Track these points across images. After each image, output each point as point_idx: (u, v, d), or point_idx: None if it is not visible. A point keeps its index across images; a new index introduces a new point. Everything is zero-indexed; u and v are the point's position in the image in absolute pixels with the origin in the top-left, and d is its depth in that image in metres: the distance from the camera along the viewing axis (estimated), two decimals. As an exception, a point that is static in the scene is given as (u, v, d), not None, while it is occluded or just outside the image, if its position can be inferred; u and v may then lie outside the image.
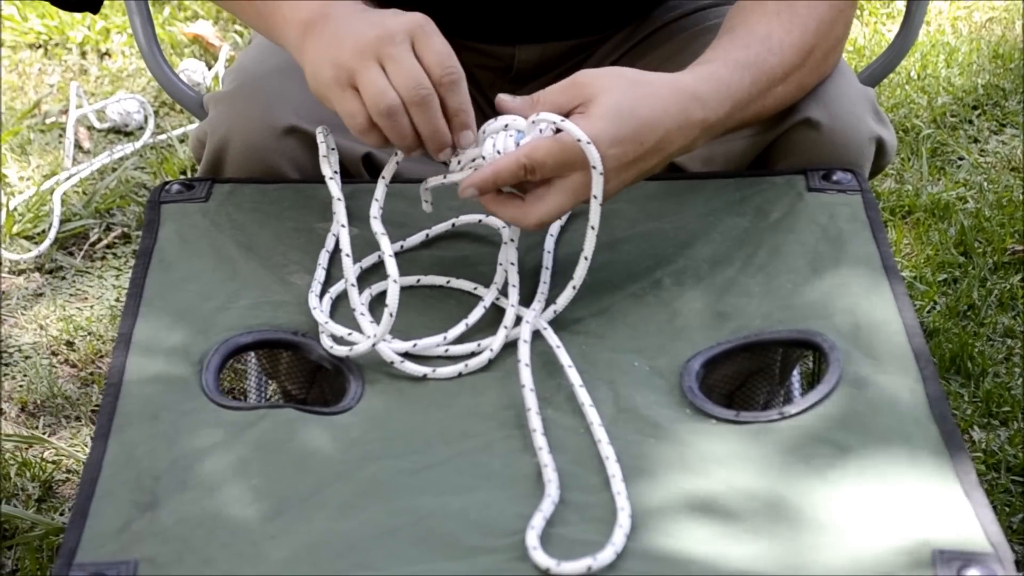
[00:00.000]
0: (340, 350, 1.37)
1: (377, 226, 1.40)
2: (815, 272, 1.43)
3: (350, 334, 1.37)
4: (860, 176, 1.54)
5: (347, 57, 1.36)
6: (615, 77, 1.40)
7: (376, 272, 1.46)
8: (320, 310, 1.40)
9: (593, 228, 1.37)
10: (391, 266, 1.37)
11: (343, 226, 1.44)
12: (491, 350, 1.36)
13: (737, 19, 1.52)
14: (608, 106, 1.36)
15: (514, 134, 1.37)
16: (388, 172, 1.43)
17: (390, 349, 1.36)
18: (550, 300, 1.41)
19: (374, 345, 1.35)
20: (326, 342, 1.38)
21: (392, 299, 1.35)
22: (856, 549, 1.15)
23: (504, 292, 1.42)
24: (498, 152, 1.37)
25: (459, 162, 1.40)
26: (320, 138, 1.51)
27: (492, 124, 1.39)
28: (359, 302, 1.40)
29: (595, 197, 1.35)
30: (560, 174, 1.36)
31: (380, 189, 1.43)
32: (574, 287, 1.38)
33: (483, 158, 1.38)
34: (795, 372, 1.74)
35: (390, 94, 1.35)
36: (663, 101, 1.39)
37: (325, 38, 1.39)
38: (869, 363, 1.32)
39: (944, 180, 2.86)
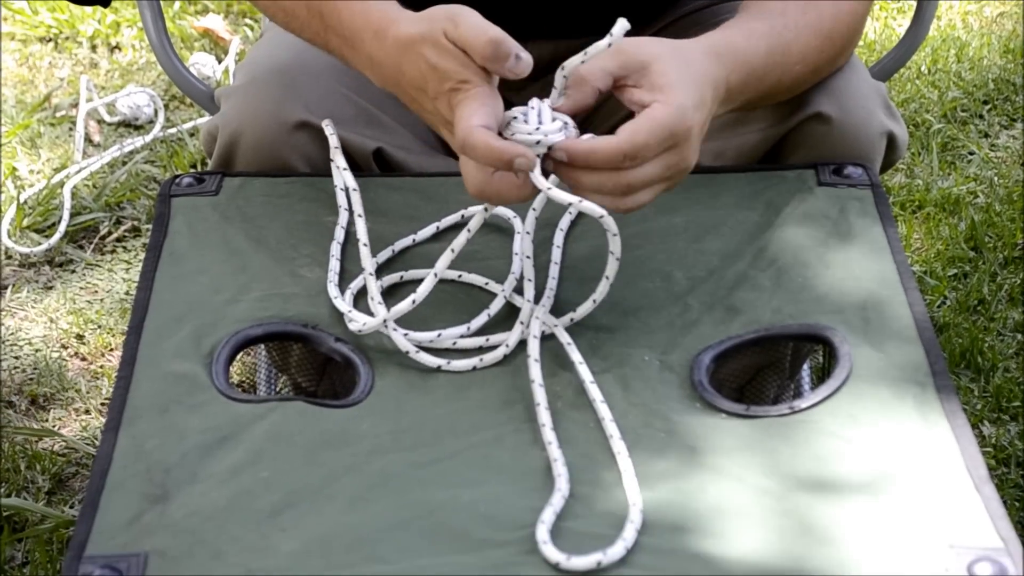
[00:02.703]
0: (356, 325, 1.37)
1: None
2: (825, 266, 1.43)
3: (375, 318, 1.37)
4: (871, 170, 1.54)
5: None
6: (655, 43, 1.37)
7: (387, 266, 1.46)
8: (342, 299, 1.40)
9: (614, 254, 1.35)
10: (443, 261, 1.37)
11: (360, 216, 1.45)
12: (507, 345, 1.36)
13: (753, 3, 1.52)
14: (673, 75, 1.34)
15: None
16: (475, 225, 1.39)
17: (406, 339, 1.36)
18: (565, 301, 1.40)
19: (385, 322, 1.36)
20: (355, 327, 1.38)
21: (423, 290, 1.36)
22: (866, 544, 1.15)
23: (519, 285, 1.42)
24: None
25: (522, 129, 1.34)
26: (329, 131, 1.52)
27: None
28: (376, 291, 1.40)
29: (612, 252, 1.34)
30: (660, 154, 1.33)
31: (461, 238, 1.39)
32: (595, 300, 1.37)
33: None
34: (805, 366, 1.74)
35: (474, 186, 1.33)
36: (701, 62, 1.38)
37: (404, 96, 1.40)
38: (879, 358, 1.32)
39: (954, 175, 2.86)
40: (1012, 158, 2.92)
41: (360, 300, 1.42)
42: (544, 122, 1.33)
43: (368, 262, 1.42)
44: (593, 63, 1.35)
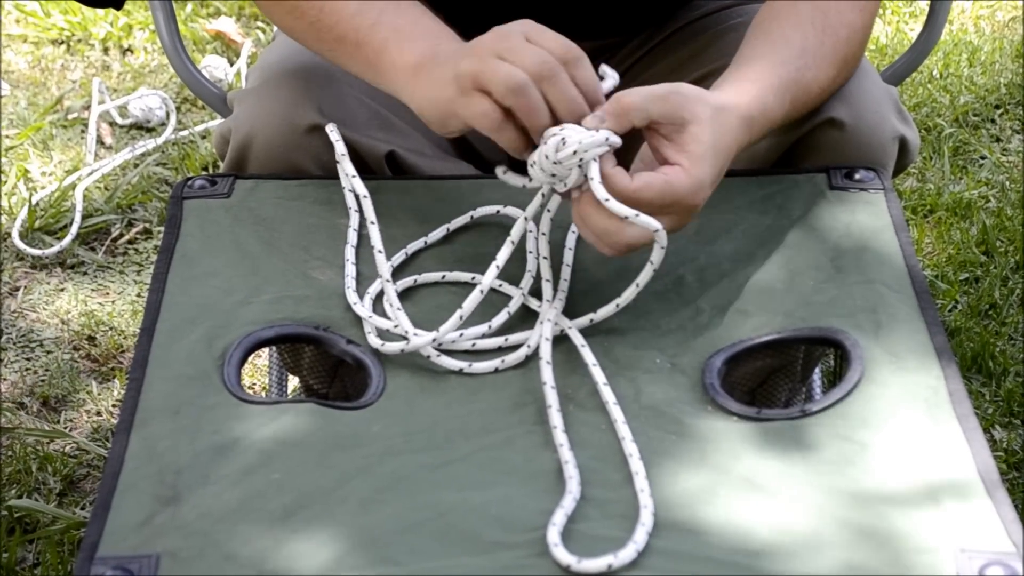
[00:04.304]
0: (393, 347, 1.36)
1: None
2: (837, 270, 1.43)
3: (396, 326, 1.37)
4: (883, 175, 1.54)
5: (466, 65, 1.36)
6: (701, 103, 1.37)
7: (401, 269, 1.46)
8: (362, 305, 1.40)
9: (653, 263, 1.36)
10: (488, 276, 1.39)
11: (372, 223, 1.45)
12: (528, 346, 1.36)
13: (772, 24, 1.51)
14: (705, 144, 1.35)
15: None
16: (530, 211, 1.41)
17: (426, 343, 1.36)
18: (575, 303, 1.40)
19: (436, 341, 1.36)
20: (374, 342, 1.37)
21: (468, 306, 1.37)
22: (878, 547, 1.15)
23: (536, 283, 1.42)
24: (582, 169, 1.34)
25: (537, 166, 1.36)
26: (335, 136, 1.52)
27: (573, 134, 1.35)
28: (395, 298, 1.40)
29: (651, 262, 1.35)
30: (660, 216, 1.34)
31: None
32: (617, 305, 1.38)
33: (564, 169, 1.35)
34: (817, 370, 1.74)
35: (517, 73, 1.34)
36: (734, 132, 1.39)
37: (436, 75, 1.39)
38: (891, 361, 1.32)
39: (966, 179, 2.85)
40: (1024, 163, 2.92)
41: (376, 305, 1.42)
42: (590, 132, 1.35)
43: (384, 269, 1.42)
44: (637, 101, 1.35)
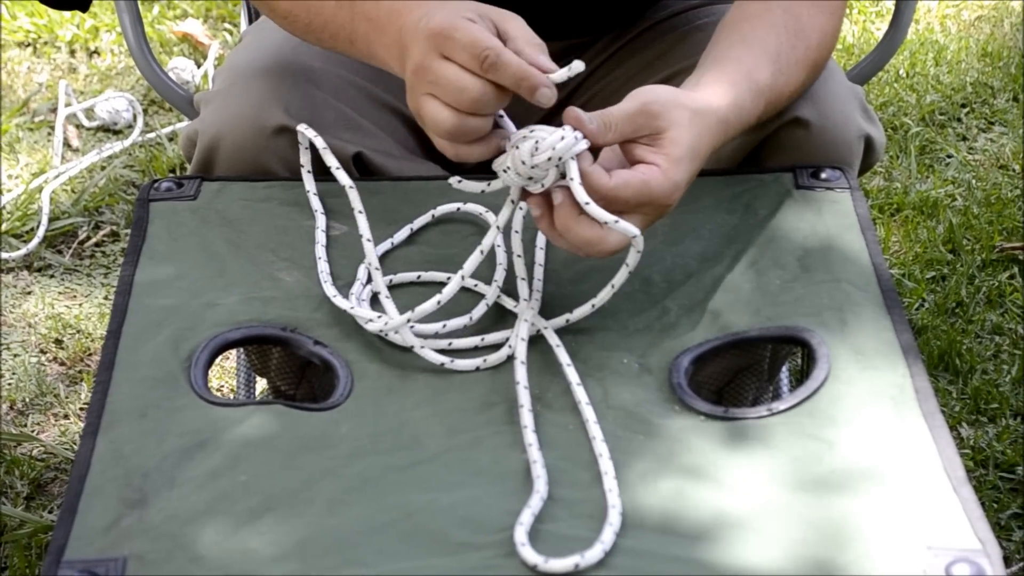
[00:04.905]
0: (397, 321, 1.35)
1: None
2: (804, 269, 1.43)
3: (379, 316, 1.37)
4: (849, 174, 1.54)
5: (411, 104, 1.35)
6: (680, 108, 1.36)
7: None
8: (341, 297, 1.40)
9: (628, 265, 1.35)
10: (470, 263, 1.36)
11: (360, 212, 1.45)
12: (510, 346, 1.36)
13: (745, 26, 1.50)
14: (683, 147, 1.34)
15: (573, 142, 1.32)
16: (502, 220, 1.37)
17: (412, 334, 1.36)
18: (547, 304, 1.40)
19: (439, 303, 1.35)
20: (374, 326, 1.37)
21: (448, 291, 1.35)
22: (844, 545, 1.15)
23: (509, 283, 1.43)
24: (558, 165, 1.31)
25: (506, 169, 1.33)
26: (311, 134, 1.52)
27: (546, 137, 1.32)
28: (383, 285, 1.40)
29: (627, 264, 1.34)
30: (635, 214, 1.34)
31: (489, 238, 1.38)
32: (593, 305, 1.38)
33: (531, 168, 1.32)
34: (784, 369, 1.75)
35: (442, 118, 1.32)
36: (712, 136, 1.39)
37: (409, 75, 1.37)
38: (857, 360, 1.33)
39: (933, 178, 2.86)
40: (990, 161, 2.92)
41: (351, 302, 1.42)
42: (566, 135, 1.32)
43: (372, 256, 1.41)
44: (616, 124, 1.34)
